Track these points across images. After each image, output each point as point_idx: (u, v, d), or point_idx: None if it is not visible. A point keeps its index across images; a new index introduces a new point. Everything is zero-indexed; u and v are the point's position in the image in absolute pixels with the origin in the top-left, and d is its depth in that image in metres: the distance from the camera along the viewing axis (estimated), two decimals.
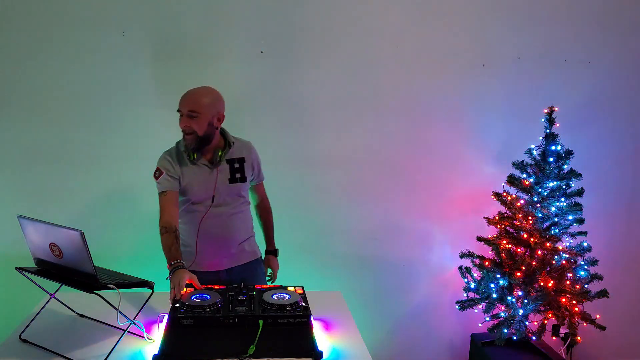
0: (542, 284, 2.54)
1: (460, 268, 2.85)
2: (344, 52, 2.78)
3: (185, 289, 1.84)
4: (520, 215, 2.66)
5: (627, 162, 3.06)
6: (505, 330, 2.63)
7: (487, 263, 2.69)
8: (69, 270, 1.73)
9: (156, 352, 1.67)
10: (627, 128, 3.02)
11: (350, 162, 2.90)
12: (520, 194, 2.69)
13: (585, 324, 2.54)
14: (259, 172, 2.31)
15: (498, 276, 2.64)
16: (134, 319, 1.77)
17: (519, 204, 2.67)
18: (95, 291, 1.66)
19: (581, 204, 2.60)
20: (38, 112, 2.67)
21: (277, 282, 2.40)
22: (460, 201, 3.00)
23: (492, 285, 2.65)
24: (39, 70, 2.63)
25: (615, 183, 3.07)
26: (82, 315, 2.00)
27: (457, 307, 2.76)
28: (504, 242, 2.67)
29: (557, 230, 2.60)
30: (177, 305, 1.73)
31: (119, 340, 1.71)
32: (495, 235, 2.74)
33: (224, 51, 2.72)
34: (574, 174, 2.60)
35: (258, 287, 1.93)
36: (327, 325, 1.98)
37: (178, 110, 2.06)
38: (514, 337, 2.64)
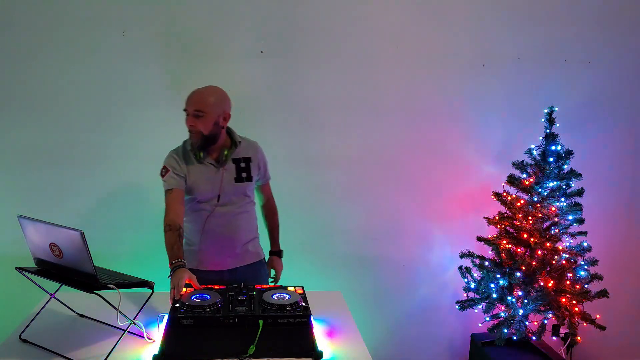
0: (542, 284, 2.54)
1: (460, 268, 2.85)
2: (344, 52, 2.78)
3: (185, 289, 1.85)
4: (520, 215, 2.66)
5: (627, 162, 3.06)
6: (505, 330, 2.63)
7: (487, 263, 2.70)
8: (69, 270, 1.73)
9: (156, 352, 1.67)
10: (627, 128, 3.02)
11: (350, 162, 2.90)
12: (520, 194, 2.69)
13: (585, 324, 2.54)
14: (265, 172, 2.31)
15: (498, 276, 2.64)
16: (134, 319, 1.77)
17: (519, 204, 2.67)
18: (95, 291, 1.66)
19: (581, 204, 2.60)
20: (38, 112, 2.67)
21: (270, 278, 2.41)
22: (460, 201, 3.00)
23: (492, 285, 2.65)
24: (39, 70, 2.63)
25: (615, 183, 3.07)
26: (82, 315, 2.00)
27: (457, 307, 2.76)
28: (504, 242, 2.67)
29: (557, 230, 2.60)
30: (177, 305, 1.73)
31: (119, 340, 1.71)
32: (495, 235, 2.74)
33: (224, 51, 2.72)
34: (574, 174, 2.60)
35: (258, 287, 1.93)
36: (327, 325, 1.98)
37: (184, 110, 2.07)
38: (514, 337, 2.64)
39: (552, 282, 2.53)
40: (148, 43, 2.66)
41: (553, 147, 2.62)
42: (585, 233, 2.67)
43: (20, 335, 1.82)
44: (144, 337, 1.81)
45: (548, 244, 2.57)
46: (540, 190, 2.62)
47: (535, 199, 2.62)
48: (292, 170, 2.84)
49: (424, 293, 3.09)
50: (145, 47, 2.66)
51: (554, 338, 2.74)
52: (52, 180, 2.72)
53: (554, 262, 2.59)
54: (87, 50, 2.63)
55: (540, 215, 2.61)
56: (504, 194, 2.75)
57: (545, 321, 2.58)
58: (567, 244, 2.65)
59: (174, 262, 1.90)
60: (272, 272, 2.41)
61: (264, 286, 1.96)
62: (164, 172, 2.10)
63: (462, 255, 2.78)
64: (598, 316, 2.55)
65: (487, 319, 2.69)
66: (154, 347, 1.75)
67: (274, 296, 1.83)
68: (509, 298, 2.60)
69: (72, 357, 1.70)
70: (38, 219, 1.74)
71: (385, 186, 2.95)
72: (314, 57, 2.77)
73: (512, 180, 2.71)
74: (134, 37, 2.64)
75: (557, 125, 2.65)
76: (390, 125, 2.88)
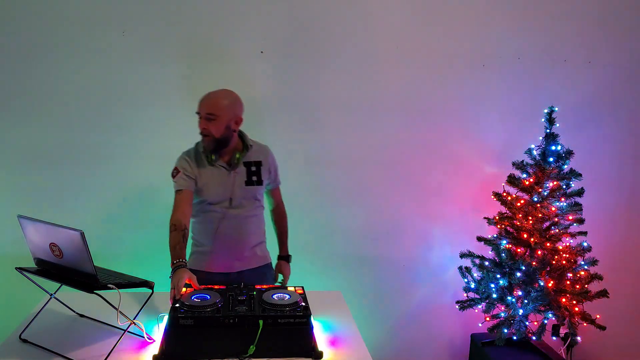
0: (542, 284, 2.54)
1: (460, 268, 2.85)
2: (345, 53, 2.78)
3: (185, 289, 1.85)
4: (520, 215, 2.66)
5: (627, 162, 3.05)
6: (505, 330, 2.63)
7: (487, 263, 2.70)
8: (69, 270, 1.73)
9: (156, 352, 1.67)
10: (627, 128, 3.02)
11: (350, 162, 2.90)
12: (520, 194, 2.69)
13: (585, 324, 2.54)
14: (275, 176, 2.32)
15: (498, 276, 2.64)
16: (134, 319, 1.77)
17: (519, 204, 2.67)
18: (95, 291, 1.66)
19: (581, 204, 2.60)
20: (38, 112, 2.67)
21: (277, 282, 2.40)
22: (460, 201, 3.00)
23: (492, 285, 2.65)
24: (39, 70, 2.63)
25: (615, 183, 3.07)
26: (82, 315, 2.00)
27: (457, 307, 2.76)
28: (504, 242, 2.67)
29: (557, 230, 2.60)
30: (177, 305, 1.73)
31: (119, 340, 1.72)
32: (495, 235, 2.74)
33: (224, 51, 2.72)
34: (574, 174, 2.60)
35: (258, 287, 1.93)
36: (327, 326, 1.98)
37: (197, 112, 2.08)
38: (514, 337, 2.64)
39: (552, 282, 2.53)
40: (148, 43, 2.66)
41: (553, 147, 2.62)
42: (585, 233, 2.67)
43: (20, 335, 1.82)
44: (144, 337, 1.81)
45: (548, 244, 2.57)
46: (540, 190, 2.62)
47: (535, 199, 2.62)
48: (291, 170, 2.82)
49: (424, 293, 3.09)
50: (145, 47, 2.66)
51: (554, 338, 2.74)
52: (52, 180, 2.72)
53: (554, 262, 2.59)
54: (87, 50, 2.63)
55: (540, 215, 2.61)
56: (504, 194, 2.75)
57: (545, 321, 2.58)
58: (567, 244, 2.65)
59: (175, 262, 1.90)
60: (280, 277, 2.41)
61: (264, 286, 1.96)
62: (175, 173, 2.12)
63: (462, 255, 2.78)
64: (598, 316, 2.55)
65: (487, 319, 2.69)
66: (154, 347, 1.75)
67: (274, 296, 1.83)
68: (509, 298, 2.60)
69: (72, 357, 1.70)
70: (38, 219, 1.74)
71: (385, 186, 2.95)
72: (315, 58, 2.77)
73: (512, 180, 2.71)
74: (134, 37, 2.64)
75: (557, 125, 2.65)
76: (391, 125, 2.88)
